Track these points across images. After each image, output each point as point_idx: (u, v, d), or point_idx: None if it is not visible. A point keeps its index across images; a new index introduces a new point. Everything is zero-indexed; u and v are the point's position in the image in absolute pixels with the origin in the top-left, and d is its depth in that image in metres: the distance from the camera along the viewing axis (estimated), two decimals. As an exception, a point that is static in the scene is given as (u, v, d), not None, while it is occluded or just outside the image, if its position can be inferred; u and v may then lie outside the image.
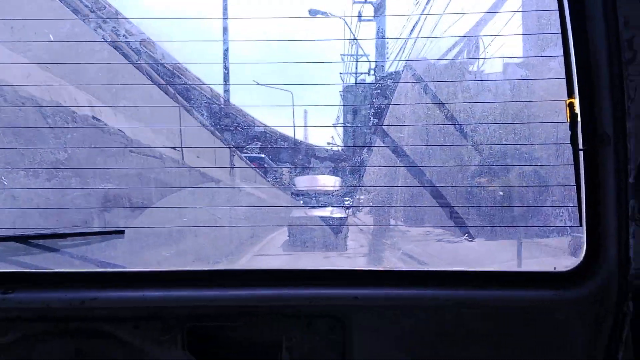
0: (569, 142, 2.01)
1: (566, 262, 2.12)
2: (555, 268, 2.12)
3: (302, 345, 2.16)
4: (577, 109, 1.97)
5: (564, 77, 2.00)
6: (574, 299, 2.02)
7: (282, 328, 2.17)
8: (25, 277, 2.31)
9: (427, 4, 7.65)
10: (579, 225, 2.05)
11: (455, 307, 2.12)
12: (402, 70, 9.28)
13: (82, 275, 2.32)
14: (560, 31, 1.99)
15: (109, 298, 2.19)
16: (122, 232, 3.06)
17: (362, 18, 9.29)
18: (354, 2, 9.27)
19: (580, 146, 1.97)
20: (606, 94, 1.90)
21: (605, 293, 1.98)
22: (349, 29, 9.40)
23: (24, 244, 2.69)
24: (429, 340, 2.12)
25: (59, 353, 2.20)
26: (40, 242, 2.75)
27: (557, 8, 1.99)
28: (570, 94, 1.98)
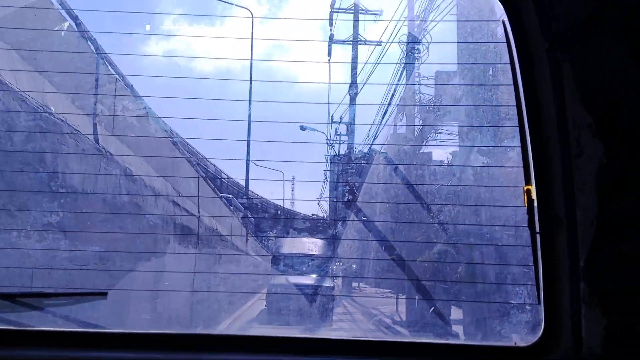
0: (527, 225, 2.05)
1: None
2: (515, 343, 2.12)
3: None
4: (534, 195, 2.02)
5: (522, 166, 2.07)
6: None
7: None
8: (10, 334, 2.24)
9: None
10: (537, 302, 2.07)
11: None
12: (375, 154, 9.65)
13: (65, 335, 2.25)
14: (517, 125, 2.08)
15: (90, 358, 2.13)
16: (105, 294, 3.00)
17: (339, 133, 12.97)
18: (332, 122, 12.52)
19: (537, 229, 2.01)
20: (559, 183, 1.97)
21: None
22: (328, 140, 12.83)
23: (10, 302, 2.61)
24: None
25: None
26: (26, 300, 2.68)
27: (515, 104, 2.09)
28: (528, 181, 2.04)
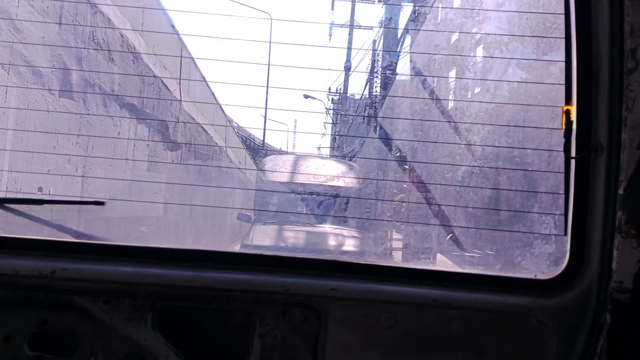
0: (562, 149, 1.99)
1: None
2: (536, 275, 2.10)
3: (275, 333, 2.12)
4: (574, 117, 1.94)
5: (564, 83, 1.97)
6: (552, 307, 2.00)
7: (256, 314, 2.14)
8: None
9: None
10: (563, 234, 2.04)
11: (434, 306, 2.10)
12: (400, 61, 9.41)
13: (55, 244, 2.26)
14: (564, 36, 1.96)
15: (81, 270, 2.14)
16: (103, 202, 3.01)
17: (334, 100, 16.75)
18: (329, 94, 15.92)
19: (573, 154, 1.95)
20: (604, 103, 1.88)
21: (584, 304, 1.96)
22: (325, 107, 15.97)
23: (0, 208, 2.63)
24: (405, 337, 2.10)
25: (24, 322, 2.14)
26: (16, 206, 2.69)
27: (563, 12, 1.96)
28: (568, 101, 1.96)
